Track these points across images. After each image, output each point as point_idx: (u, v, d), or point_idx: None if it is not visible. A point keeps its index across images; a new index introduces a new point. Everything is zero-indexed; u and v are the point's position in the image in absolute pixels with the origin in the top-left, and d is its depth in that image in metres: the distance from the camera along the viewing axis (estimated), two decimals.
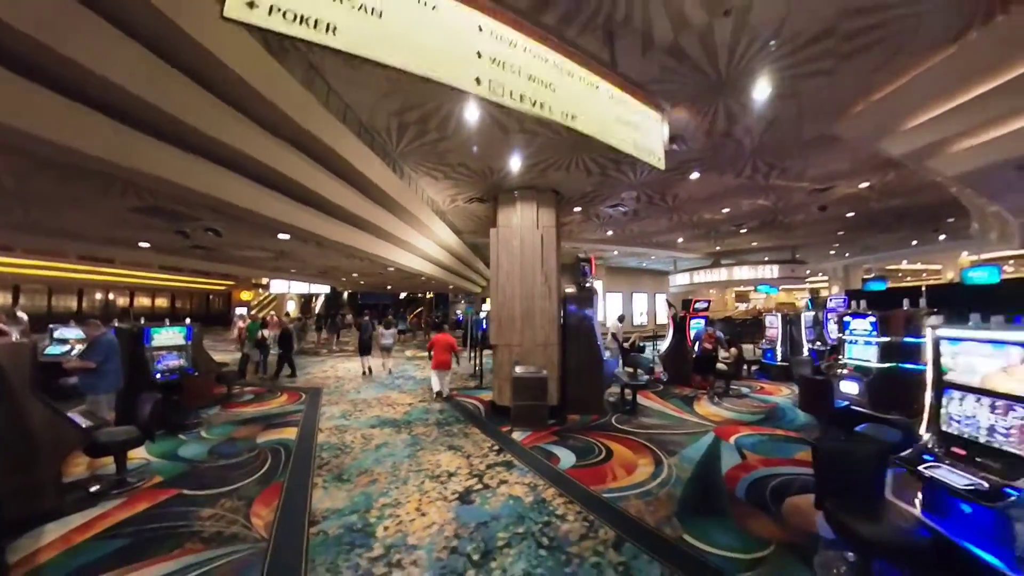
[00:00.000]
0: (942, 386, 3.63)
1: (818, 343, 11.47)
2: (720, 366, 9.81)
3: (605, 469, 5.45)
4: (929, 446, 3.56)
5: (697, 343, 10.51)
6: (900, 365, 6.24)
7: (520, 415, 7.15)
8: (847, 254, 21.74)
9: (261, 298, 34.89)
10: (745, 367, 11.99)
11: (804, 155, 7.41)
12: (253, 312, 29.01)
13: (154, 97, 3.92)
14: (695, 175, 8.32)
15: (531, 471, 5.37)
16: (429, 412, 8.27)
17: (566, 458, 5.83)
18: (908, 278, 31.18)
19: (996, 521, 2.85)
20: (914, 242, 18.18)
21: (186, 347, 7.65)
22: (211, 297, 34.64)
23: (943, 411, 3.59)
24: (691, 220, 12.85)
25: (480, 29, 2.58)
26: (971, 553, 2.89)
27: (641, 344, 13.30)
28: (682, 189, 9.41)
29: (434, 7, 2.40)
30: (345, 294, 41.26)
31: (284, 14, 1.93)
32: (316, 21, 1.99)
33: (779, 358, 11.85)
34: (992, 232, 12.13)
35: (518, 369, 7.50)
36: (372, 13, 2.15)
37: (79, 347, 8.23)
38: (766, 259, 20.64)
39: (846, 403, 6.60)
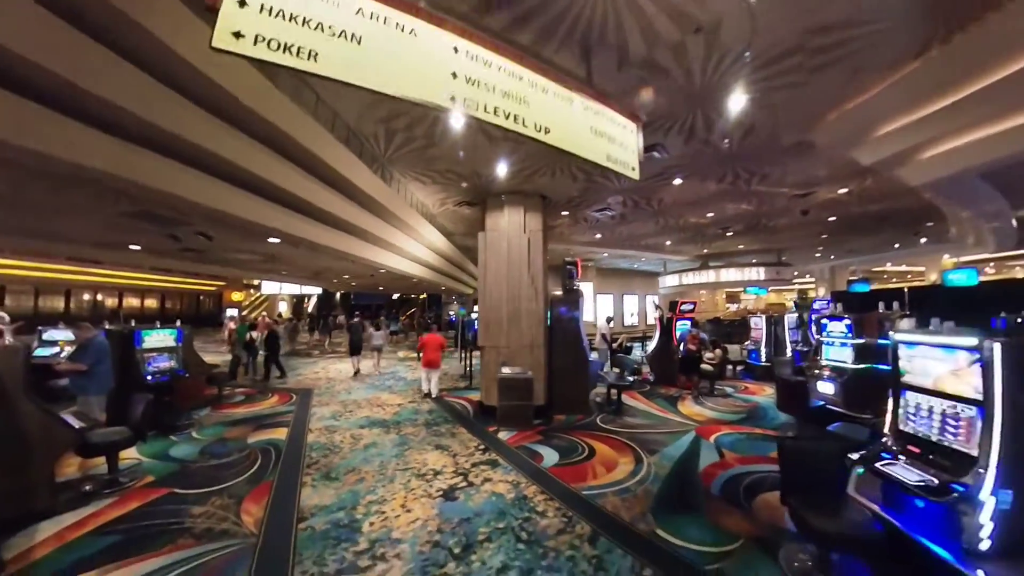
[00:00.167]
0: (900, 387, 3.83)
1: (802, 344, 11.69)
2: (704, 366, 10.04)
3: (587, 467, 5.62)
4: (888, 444, 3.76)
5: (682, 344, 10.72)
6: (874, 366, 6.46)
7: (506, 415, 7.31)
8: (832, 256, 22.12)
9: (252, 299, 34.79)
10: (730, 367, 12.22)
11: (783, 162, 7.64)
12: (244, 314, 28.94)
13: (150, 113, 4.08)
14: (678, 180, 8.52)
15: (515, 469, 5.53)
16: (418, 413, 8.41)
17: (549, 457, 5.99)
18: (894, 280, 31.71)
19: (946, 515, 3.05)
20: (896, 245, 18.56)
21: (177, 349, 7.75)
22: (201, 298, 34.50)
23: (900, 411, 3.79)
24: (677, 224, 13.08)
25: (456, 51, 2.74)
26: (922, 545, 3.09)
27: (628, 345, 13.50)
28: (666, 194, 9.62)
29: (412, 31, 2.56)
30: (338, 295, 41.23)
31: (268, 43, 2.08)
32: (299, 49, 2.15)
33: (763, 359, 12.08)
34: (969, 236, 12.46)
35: (505, 370, 7.66)
36: (352, 39, 2.30)
37: (68, 349, 8.28)
38: (753, 261, 20.97)
39: (822, 403, 6.83)
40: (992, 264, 21.17)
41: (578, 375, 8.42)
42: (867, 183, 9.15)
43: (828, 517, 3.32)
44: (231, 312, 27.35)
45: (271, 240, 10.28)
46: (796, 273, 25.40)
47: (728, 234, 14.94)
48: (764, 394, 9.86)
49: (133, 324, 7.49)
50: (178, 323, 8.11)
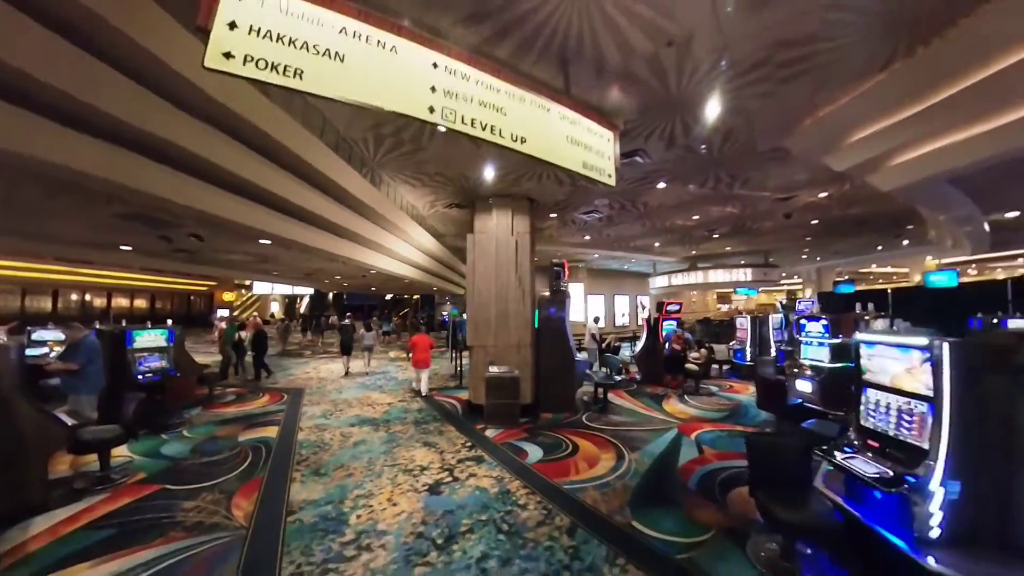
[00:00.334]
0: (862, 385, 4.04)
1: (787, 344, 11.92)
2: (690, 366, 10.25)
3: (569, 463, 5.79)
4: (851, 438, 3.96)
5: (668, 344, 10.93)
6: (849, 365, 6.66)
7: (493, 413, 7.47)
8: (818, 258, 22.49)
9: (244, 299, 34.70)
10: (716, 366, 12.44)
11: (763, 167, 7.86)
12: (235, 314, 28.87)
13: (144, 122, 4.22)
14: (662, 184, 8.72)
15: (499, 465, 5.69)
16: (407, 411, 8.55)
17: (534, 453, 6.16)
18: (880, 281, 32.20)
19: (900, 506, 3.24)
20: (879, 247, 18.91)
21: (168, 349, 7.84)
22: (192, 298, 34.36)
23: (862, 408, 3.99)
24: (664, 226, 13.30)
25: (435, 66, 2.91)
26: (878, 534, 3.29)
27: (616, 345, 13.70)
28: (651, 197, 9.82)
29: (392, 48, 2.72)
30: (330, 295, 41.20)
31: (257, 63, 2.23)
32: (285, 67, 2.30)
33: (748, 358, 12.31)
34: (947, 239, 12.77)
35: (492, 369, 7.83)
36: (335, 58, 2.46)
37: (57, 349, 8.32)
38: (741, 262, 21.27)
39: (799, 400, 7.04)
40: (974, 266, 21.60)
41: (565, 374, 8.59)
42: (846, 188, 9.40)
43: (793, 509, 3.49)
44: (221, 312, 27.29)
45: (262, 242, 10.38)
46: (784, 274, 25.76)
47: (714, 236, 15.19)
48: (748, 393, 10.07)
49: (124, 324, 7.57)
50: (169, 323, 8.20)
